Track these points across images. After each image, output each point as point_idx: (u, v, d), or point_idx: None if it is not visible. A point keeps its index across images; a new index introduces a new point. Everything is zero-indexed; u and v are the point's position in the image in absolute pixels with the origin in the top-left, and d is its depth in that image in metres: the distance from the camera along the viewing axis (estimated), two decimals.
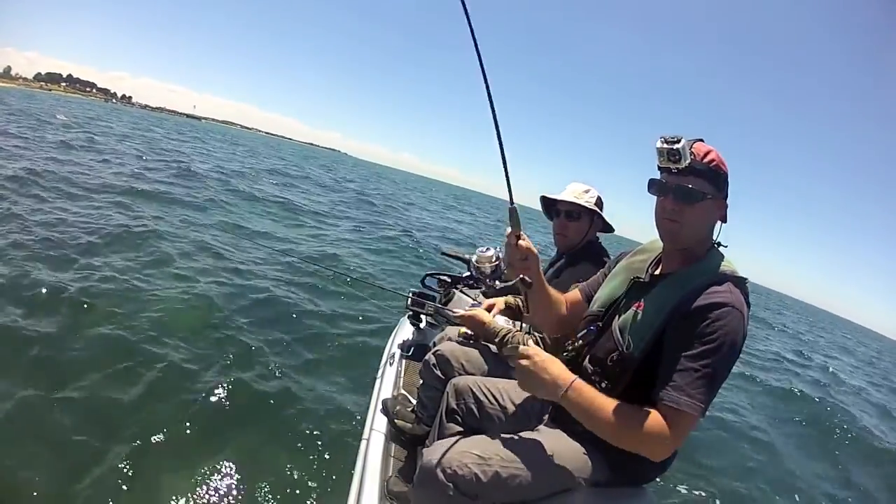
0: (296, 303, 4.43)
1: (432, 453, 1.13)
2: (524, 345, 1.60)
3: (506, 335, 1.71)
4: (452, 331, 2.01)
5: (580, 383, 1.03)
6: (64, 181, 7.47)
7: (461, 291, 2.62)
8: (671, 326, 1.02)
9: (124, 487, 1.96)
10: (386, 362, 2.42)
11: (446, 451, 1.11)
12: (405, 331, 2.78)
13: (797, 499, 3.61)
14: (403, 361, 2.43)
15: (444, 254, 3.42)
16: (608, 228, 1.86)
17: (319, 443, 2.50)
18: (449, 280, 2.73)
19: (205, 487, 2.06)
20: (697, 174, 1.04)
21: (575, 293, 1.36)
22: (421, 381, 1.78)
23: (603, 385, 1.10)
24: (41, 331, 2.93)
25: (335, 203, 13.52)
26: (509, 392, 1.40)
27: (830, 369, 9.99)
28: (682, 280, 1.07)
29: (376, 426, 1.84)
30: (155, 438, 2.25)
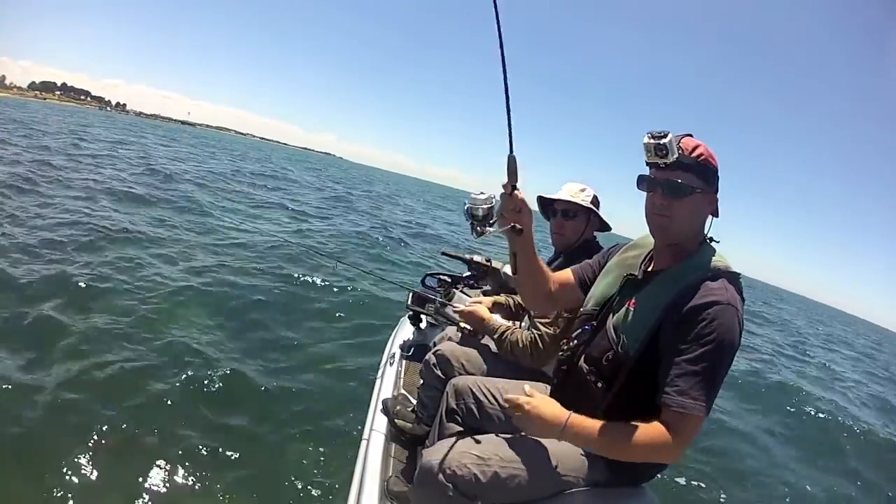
0: (295, 303, 4.44)
1: (432, 454, 1.14)
2: (523, 343, 1.63)
3: (504, 331, 1.72)
4: (452, 331, 2.02)
5: (575, 419, 1.04)
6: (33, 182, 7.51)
7: (461, 291, 2.63)
8: (666, 325, 1.02)
9: (122, 487, 1.97)
10: (386, 362, 2.43)
11: (446, 451, 1.12)
12: (405, 331, 2.78)
13: (796, 491, 3.62)
14: (403, 361, 2.44)
15: (444, 254, 3.43)
16: (605, 227, 1.86)
17: (319, 442, 2.51)
18: (449, 280, 2.74)
19: (205, 487, 2.06)
20: (686, 168, 1.04)
21: (567, 273, 1.35)
22: (421, 381, 1.79)
23: (599, 385, 1.10)
24: (29, 327, 2.95)
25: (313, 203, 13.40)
26: (509, 391, 1.40)
27: (827, 364, 10.01)
28: (675, 276, 1.07)
29: (376, 426, 1.85)
30: (155, 438, 2.26)
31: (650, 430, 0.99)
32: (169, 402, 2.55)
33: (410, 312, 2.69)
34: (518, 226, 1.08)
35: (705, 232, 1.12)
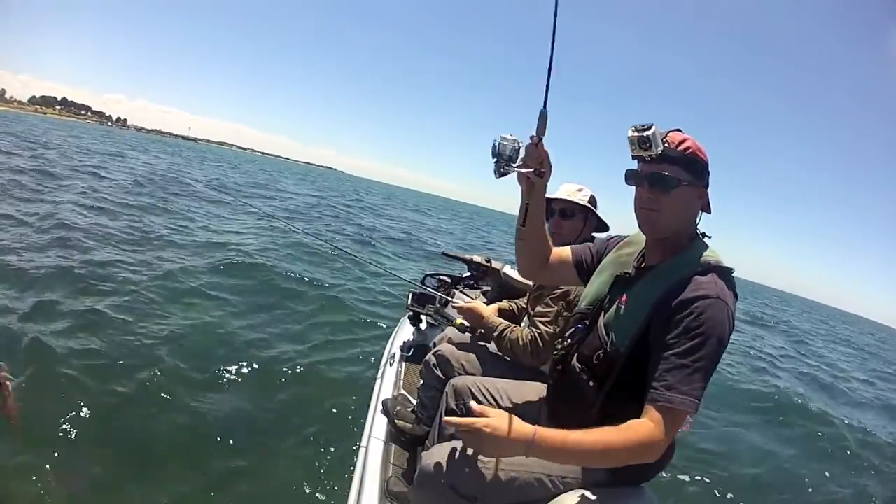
0: (294, 303, 4.45)
1: (432, 456, 1.13)
2: (523, 342, 1.62)
3: (504, 330, 1.72)
4: (452, 331, 2.02)
5: (543, 432, 0.94)
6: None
7: (461, 292, 2.63)
8: (656, 321, 1.00)
9: (122, 487, 1.97)
10: (386, 363, 2.43)
11: (446, 453, 1.12)
12: (405, 331, 2.79)
13: (797, 492, 3.60)
14: (403, 362, 2.44)
15: (444, 254, 3.43)
16: (603, 227, 1.86)
17: (319, 443, 2.51)
18: (449, 280, 2.75)
19: (205, 487, 2.06)
20: (672, 161, 1.03)
21: (566, 251, 1.35)
22: (421, 382, 1.79)
23: (591, 384, 1.10)
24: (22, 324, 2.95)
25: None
26: (508, 392, 1.40)
27: (831, 362, 9.96)
28: (665, 272, 1.06)
29: (376, 426, 1.85)
30: (153, 440, 2.26)
31: (629, 432, 0.94)
32: (167, 404, 2.55)
33: (410, 313, 2.70)
34: (541, 169, 1.11)
35: (697, 227, 1.11)
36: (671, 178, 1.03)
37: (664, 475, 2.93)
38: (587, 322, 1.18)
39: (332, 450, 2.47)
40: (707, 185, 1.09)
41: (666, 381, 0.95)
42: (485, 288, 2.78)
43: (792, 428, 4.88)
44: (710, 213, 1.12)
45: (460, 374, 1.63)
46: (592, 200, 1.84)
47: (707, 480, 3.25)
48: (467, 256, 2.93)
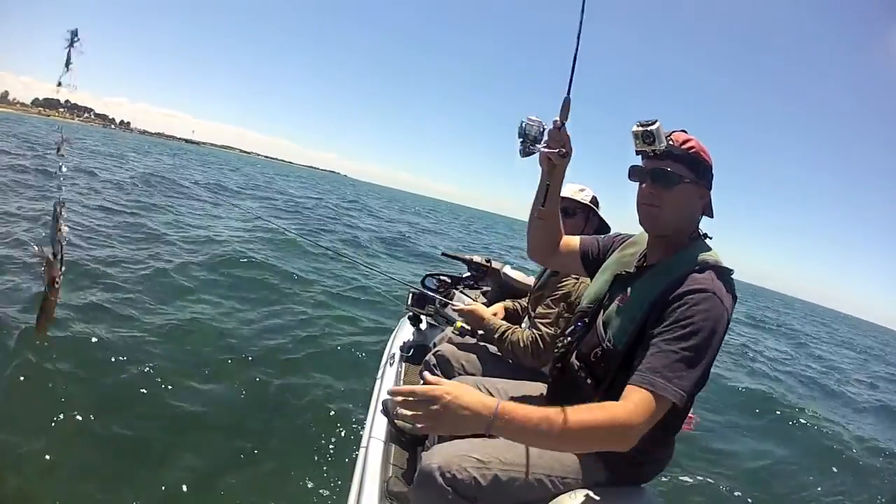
0: (294, 302, 4.45)
1: (431, 456, 1.13)
2: (524, 343, 1.62)
3: (505, 331, 1.72)
4: (452, 331, 2.02)
5: (507, 405, 0.87)
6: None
7: (461, 292, 2.63)
8: (652, 318, 1.00)
9: (121, 486, 1.96)
10: (386, 363, 2.43)
11: (445, 454, 1.11)
12: (405, 332, 2.78)
13: (798, 494, 3.59)
14: (403, 363, 2.44)
15: (444, 254, 3.43)
16: (604, 228, 1.86)
17: (319, 443, 2.51)
18: (449, 280, 2.74)
19: (203, 487, 2.06)
20: (675, 159, 1.04)
21: (574, 240, 1.37)
22: (421, 382, 1.79)
23: (588, 382, 1.10)
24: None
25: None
26: (508, 392, 1.40)
27: (833, 365, 9.93)
28: (664, 270, 1.06)
29: (376, 427, 1.84)
30: (153, 440, 2.26)
31: (603, 412, 0.89)
32: (162, 402, 2.54)
33: (410, 313, 2.69)
34: (564, 149, 1.14)
35: (699, 228, 1.12)
36: (673, 174, 1.04)
37: (664, 476, 2.93)
38: (587, 320, 1.19)
39: (332, 450, 2.47)
40: (710, 187, 1.10)
41: (650, 364, 0.94)
42: (485, 288, 2.78)
43: (793, 430, 4.87)
44: (711, 216, 1.13)
45: (460, 375, 1.63)
46: (594, 201, 1.84)
47: (707, 481, 3.24)
48: (467, 256, 2.93)
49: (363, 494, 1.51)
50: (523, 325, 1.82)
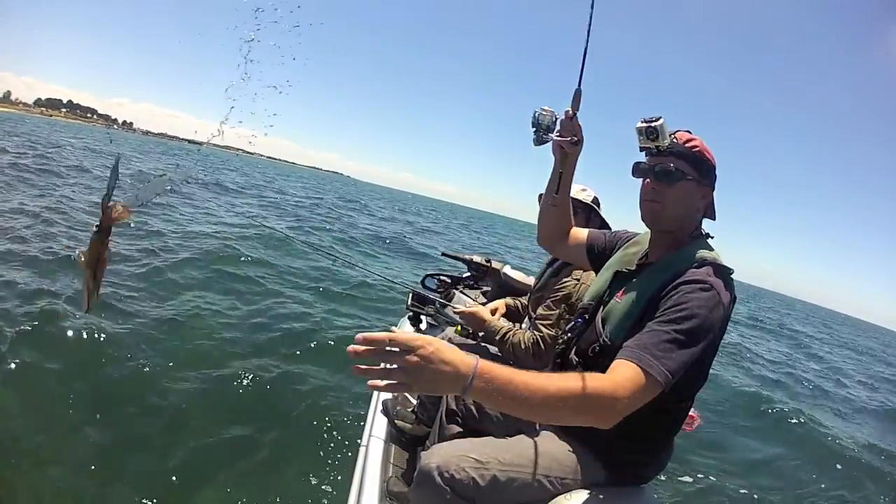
0: (293, 303, 4.45)
1: (430, 456, 1.13)
2: (525, 345, 1.62)
3: (506, 333, 1.72)
4: (452, 332, 2.02)
5: (487, 364, 0.79)
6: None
7: (461, 292, 2.62)
8: (649, 314, 1.01)
9: (120, 486, 1.97)
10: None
11: (444, 454, 1.11)
12: (406, 331, 2.78)
13: (799, 495, 3.59)
14: None
15: (444, 254, 3.42)
16: (605, 228, 1.86)
17: (319, 443, 2.52)
18: (449, 280, 2.74)
19: (203, 486, 2.06)
20: (678, 156, 1.06)
21: (583, 232, 1.39)
22: None
23: None
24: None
25: None
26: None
27: (834, 366, 9.92)
28: (663, 266, 1.07)
29: (377, 427, 1.85)
30: (153, 440, 2.26)
31: (587, 380, 0.84)
32: (161, 401, 2.55)
33: (410, 313, 2.69)
34: (576, 137, 1.17)
35: (700, 227, 1.13)
36: (676, 171, 1.06)
37: (664, 476, 2.93)
38: (587, 316, 1.20)
39: (332, 450, 2.48)
40: (713, 187, 1.11)
41: (639, 341, 0.94)
42: (485, 288, 2.77)
43: (793, 430, 4.86)
44: (713, 219, 1.14)
45: None
46: (596, 201, 1.85)
47: (707, 482, 3.24)
48: (467, 256, 2.93)
49: (363, 494, 1.51)
50: (524, 325, 1.82)
